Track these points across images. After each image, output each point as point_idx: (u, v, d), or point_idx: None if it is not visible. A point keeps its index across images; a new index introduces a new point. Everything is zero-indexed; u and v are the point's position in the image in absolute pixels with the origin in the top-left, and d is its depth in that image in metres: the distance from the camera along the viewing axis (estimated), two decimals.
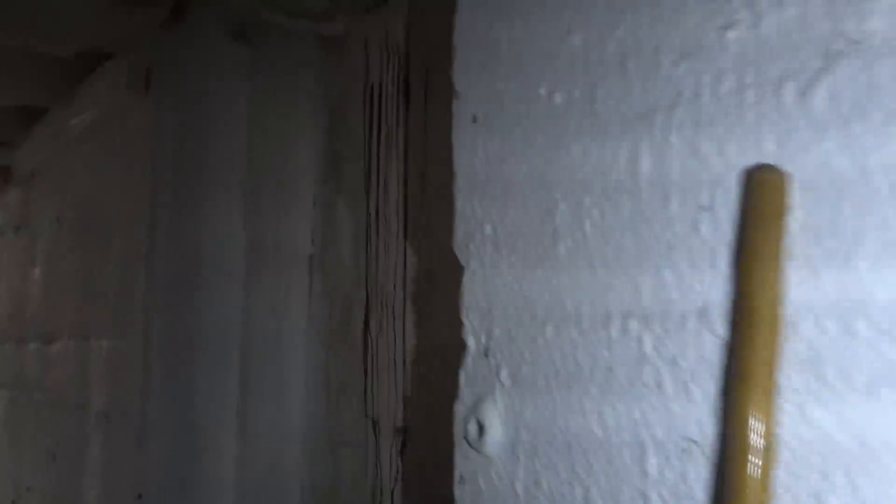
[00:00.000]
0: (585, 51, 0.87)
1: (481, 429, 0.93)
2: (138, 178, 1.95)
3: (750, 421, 0.62)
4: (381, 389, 1.65)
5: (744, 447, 0.62)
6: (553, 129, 0.90)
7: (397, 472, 1.60)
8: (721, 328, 0.68)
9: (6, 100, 2.37)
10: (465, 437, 0.96)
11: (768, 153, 0.67)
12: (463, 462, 0.96)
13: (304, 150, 1.91)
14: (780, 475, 0.62)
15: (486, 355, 0.94)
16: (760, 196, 0.66)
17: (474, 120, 0.98)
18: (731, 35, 0.71)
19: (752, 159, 0.67)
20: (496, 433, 0.91)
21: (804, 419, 0.62)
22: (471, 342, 0.97)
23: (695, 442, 0.70)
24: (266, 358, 1.83)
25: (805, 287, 0.63)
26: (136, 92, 1.91)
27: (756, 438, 0.61)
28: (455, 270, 1.20)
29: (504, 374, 0.92)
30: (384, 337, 1.67)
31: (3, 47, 1.95)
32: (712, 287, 0.70)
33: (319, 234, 1.89)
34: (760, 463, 0.61)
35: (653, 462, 0.75)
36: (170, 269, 1.86)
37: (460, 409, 1.02)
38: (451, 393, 1.30)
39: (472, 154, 0.99)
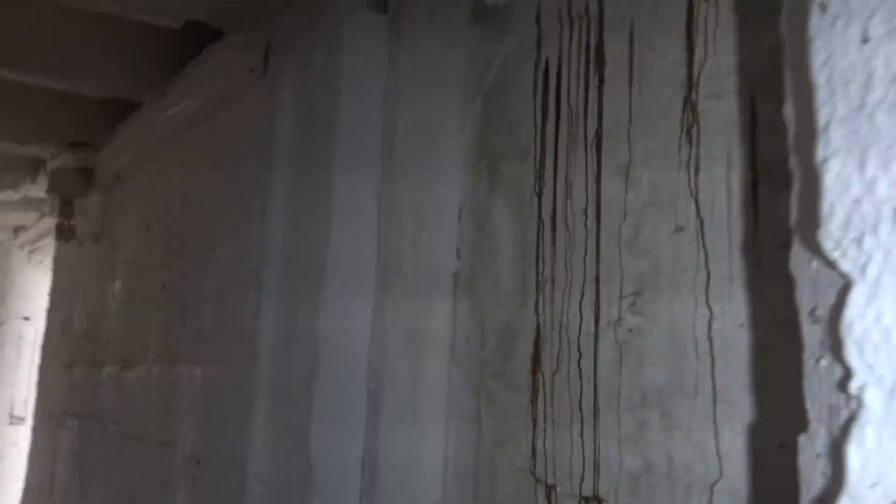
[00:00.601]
0: None
1: None
2: (250, 176, 1.62)
3: None
4: (561, 446, 1.27)
5: None
6: None
7: None
8: None
9: (94, 89, 2.09)
10: None
11: None
12: None
13: (450, 146, 1.56)
14: None
15: None
16: None
17: (865, 41, 0.62)
18: None
19: None
20: None
21: None
22: (872, 397, 0.59)
23: None
24: (400, 397, 1.47)
25: None
26: (253, 73, 1.59)
27: None
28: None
29: None
30: (564, 378, 1.29)
31: (95, 16, 1.66)
32: None
33: (468, 247, 1.53)
34: None
35: None
36: (285, 284, 1.53)
37: None
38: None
39: (861, 93, 0.61)
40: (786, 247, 1.03)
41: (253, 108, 1.64)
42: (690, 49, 1.18)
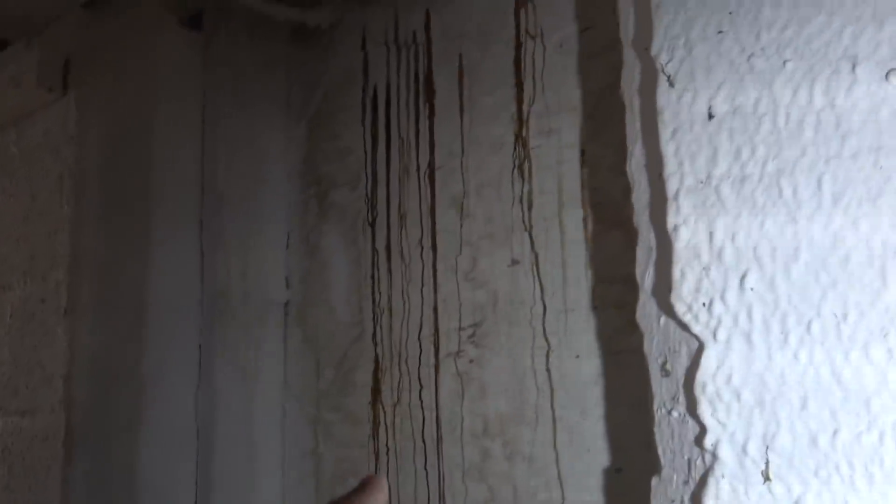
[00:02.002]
0: None
1: None
2: (51, 204, 1.48)
3: None
4: (405, 477, 1.27)
5: None
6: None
7: None
8: None
9: None
10: None
11: None
12: None
13: (276, 170, 1.51)
14: None
15: (768, 478, 0.61)
16: None
17: (710, 117, 0.66)
18: None
19: None
20: None
21: None
22: (725, 452, 0.63)
23: None
24: (233, 435, 1.41)
25: None
26: (51, 92, 1.45)
27: None
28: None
29: None
30: (405, 409, 1.29)
31: None
32: None
33: (298, 276, 1.49)
34: None
35: None
36: (99, 326, 1.41)
37: None
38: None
39: (708, 166, 0.66)
40: (615, 281, 1.10)
41: (51, 131, 1.49)
42: (519, 85, 1.21)
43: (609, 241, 1.08)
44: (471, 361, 1.22)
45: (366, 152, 1.41)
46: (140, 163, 1.40)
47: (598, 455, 1.07)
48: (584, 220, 1.11)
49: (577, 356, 1.10)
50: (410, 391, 1.29)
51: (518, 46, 1.22)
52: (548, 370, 1.13)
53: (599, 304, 1.09)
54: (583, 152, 1.13)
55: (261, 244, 1.48)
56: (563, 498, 1.09)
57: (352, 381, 1.38)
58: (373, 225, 1.38)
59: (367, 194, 1.40)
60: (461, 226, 1.25)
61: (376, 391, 1.34)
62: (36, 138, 1.51)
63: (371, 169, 1.40)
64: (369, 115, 1.41)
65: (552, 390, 1.12)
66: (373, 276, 1.37)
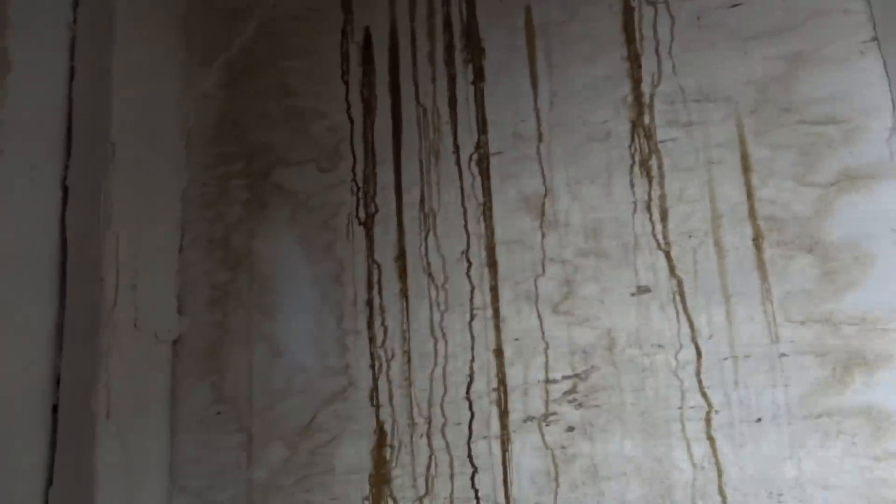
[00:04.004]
0: None
1: None
2: None
3: None
4: None
5: None
6: None
7: None
8: None
9: None
10: None
11: None
12: None
13: (169, 128, 0.97)
14: None
15: None
16: None
17: None
18: None
19: None
20: None
21: None
22: None
23: None
24: None
25: None
26: None
27: None
28: None
29: None
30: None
31: None
32: None
33: (203, 298, 0.93)
34: None
35: None
36: None
37: None
38: None
39: None
40: (812, 320, 0.83)
41: None
42: (635, 59, 0.91)
43: (796, 270, 0.83)
44: (570, 430, 0.83)
45: (352, 120, 0.95)
46: None
47: None
48: (756, 240, 0.85)
49: (759, 419, 0.81)
50: (453, 477, 0.84)
51: (628, 10, 0.93)
52: (710, 439, 0.81)
53: (790, 349, 0.82)
54: (745, 153, 0.87)
55: (153, 239, 0.90)
56: None
57: (325, 464, 0.87)
58: (368, 225, 0.92)
59: (355, 180, 0.93)
60: (542, 236, 0.88)
61: (381, 479, 0.86)
62: None
63: (363, 144, 0.94)
64: (356, 68, 0.96)
65: (719, 469, 0.80)
66: (370, 302, 0.90)
